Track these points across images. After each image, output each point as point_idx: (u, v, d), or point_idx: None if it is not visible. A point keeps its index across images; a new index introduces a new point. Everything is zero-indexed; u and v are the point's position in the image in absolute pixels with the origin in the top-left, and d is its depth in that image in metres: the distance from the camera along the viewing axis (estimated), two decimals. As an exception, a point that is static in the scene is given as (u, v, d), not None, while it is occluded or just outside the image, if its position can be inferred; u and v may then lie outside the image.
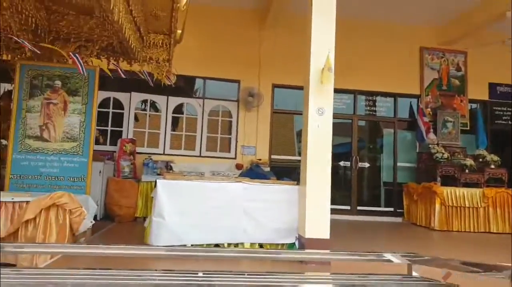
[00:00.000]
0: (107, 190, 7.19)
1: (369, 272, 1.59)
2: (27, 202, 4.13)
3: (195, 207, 4.77)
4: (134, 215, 7.24)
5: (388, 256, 1.62)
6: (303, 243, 4.62)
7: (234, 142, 8.85)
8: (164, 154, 8.58)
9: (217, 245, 4.82)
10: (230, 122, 9.03)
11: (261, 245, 4.93)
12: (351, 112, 9.52)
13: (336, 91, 4.93)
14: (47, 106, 5.20)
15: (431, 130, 9.19)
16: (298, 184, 5.05)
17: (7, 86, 7.35)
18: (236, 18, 8.97)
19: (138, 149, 8.25)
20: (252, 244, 4.87)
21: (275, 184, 5.24)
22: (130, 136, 8.38)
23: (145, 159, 8.08)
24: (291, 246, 4.92)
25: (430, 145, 8.91)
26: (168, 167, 8.14)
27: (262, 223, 4.89)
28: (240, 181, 5.01)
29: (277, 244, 4.95)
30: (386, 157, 9.75)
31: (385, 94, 9.65)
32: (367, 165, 9.53)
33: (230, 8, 8.91)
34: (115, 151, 7.98)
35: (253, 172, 7.21)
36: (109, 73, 5.65)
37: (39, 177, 5.05)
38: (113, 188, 7.19)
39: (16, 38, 4.30)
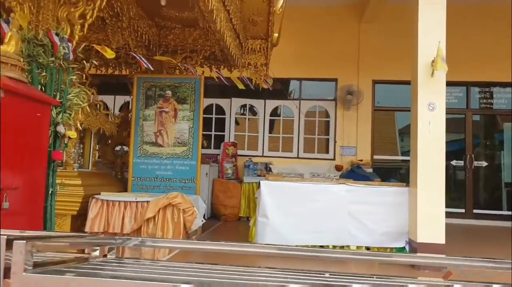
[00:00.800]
0: (213, 190, 7.61)
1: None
2: (147, 202, 4.55)
3: (298, 208, 4.77)
4: (238, 215, 7.53)
5: (536, 266, 1.40)
6: (415, 248, 4.31)
7: (332, 143, 8.68)
8: (263, 156, 8.78)
9: (321, 247, 4.75)
10: (328, 122, 8.88)
11: (368, 249, 4.73)
12: (463, 106, 8.67)
13: (446, 84, 4.53)
14: (160, 114, 5.68)
15: None
16: (407, 185, 4.75)
17: (125, 98, 8.27)
18: (332, 15, 8.79)
19: (239, 152, 8.56)
20: (358, 247, 4.70)
21: (381, 186, 4.99)
22: (232, 139, 8.75)
23: (246, 161, 8.36)
24: (400, 250, 4.63)
25: None
26: (267, 168, 8.31)
27: (368, 226, 4.70)
28: (344, 183, 4.88)
29: (385, 248, 4.70)
30: (508, 154, 8.65)
31: (504, 84, 8.57)
32: (484, 163, 8.57)
33: (326, 6, 8.76)
34: (218, 154, 8.40)
35: (354, 174, 7.00)
36: (217, 80, 5.98)
37: (155, 179, 5.53)
38: (218, 189, 7.58)
39: (134, 54, 4.78)
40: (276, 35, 6.10)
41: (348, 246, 4.72)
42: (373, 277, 1.12)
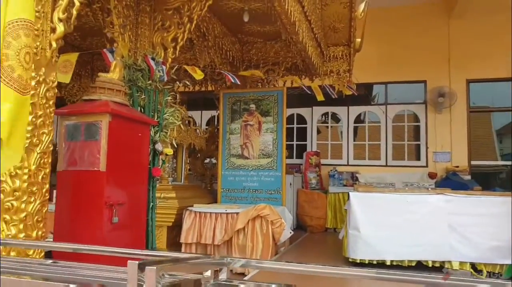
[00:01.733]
0: (297, 201, 7.57)
1: None
2: (237, 213, 4.66)
3: (392, 221, 4.52)
4: (324, 226, 7.38)
5: None
6: (532, 266, 3.83)
7: (424, 149, 8.12)
8: (348, 165, 8.52)
9: (419, 262, 4.44)
10: (418, 127, 8.35)
11: (473, 265, 4.31)
12: None
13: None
14: (245, 128, 5.82)
15: None
16: (517, 194, 4.26)
17: (212, 113, 8.64)
18: (417, 13, 8.29)
19: (323, 161, 8.41)
20: (462, 263, 4.30)
21: (484, 195, 4.54)
22: (314, 148, 8.64)
23: (330, 170, 8.18)
24: (513, 268, 4.13)
25: None
26: (353, 178, 8.05)
27: (472, 239, 4.28)
28: (442, 193, 4.52)
29: (495, 265, 4.23)
30: None
31: None
32: None
33: (410, 4, 8.31)
34: (301, 164, 8.35)
35: (451, 182, 6.48)
36: (302, 87, 5.98)
37: (242, 190, 5.67)
38: (303, 199, 7.52)
39: (222, 71, 4.98)
40: (358, 40, 5.91)
41: (449, 262, 4.34)
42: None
